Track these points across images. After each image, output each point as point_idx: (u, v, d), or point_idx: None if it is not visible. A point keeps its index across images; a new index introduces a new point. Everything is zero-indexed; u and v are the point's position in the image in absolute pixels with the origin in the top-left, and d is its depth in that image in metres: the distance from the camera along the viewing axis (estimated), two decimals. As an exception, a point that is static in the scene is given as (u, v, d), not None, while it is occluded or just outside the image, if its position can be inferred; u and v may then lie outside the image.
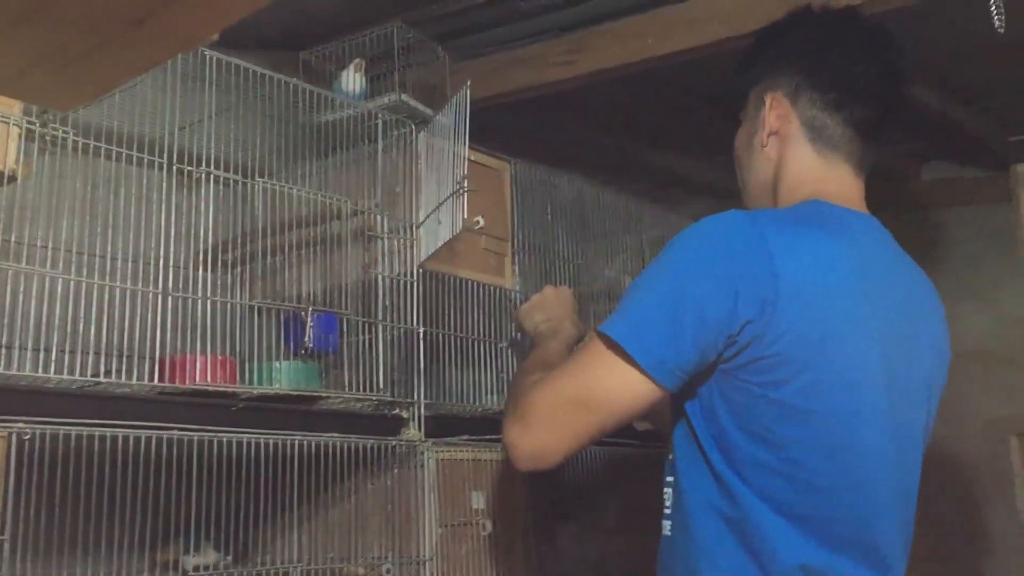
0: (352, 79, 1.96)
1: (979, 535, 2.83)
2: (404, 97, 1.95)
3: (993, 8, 1.75)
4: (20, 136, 1.46)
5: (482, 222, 1.79)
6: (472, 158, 1.85)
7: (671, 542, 1.29)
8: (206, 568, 1.67)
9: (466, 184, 1.71)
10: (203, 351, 1.59)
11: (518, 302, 2.11)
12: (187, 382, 1.56)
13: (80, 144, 1.55)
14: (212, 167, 1.67)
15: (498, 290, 2.03)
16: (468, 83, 1.78)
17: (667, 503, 1.31)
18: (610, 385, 1.19)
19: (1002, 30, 1.71)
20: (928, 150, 2.95)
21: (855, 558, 1.22)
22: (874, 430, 1.23)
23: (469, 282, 1.97)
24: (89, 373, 1.49)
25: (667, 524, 1.30)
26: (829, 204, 1.30)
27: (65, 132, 1.52)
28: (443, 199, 1.80)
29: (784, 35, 1.40)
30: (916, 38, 2.16)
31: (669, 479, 1.31)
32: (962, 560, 2.84)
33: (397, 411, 1.81)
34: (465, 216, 1.71)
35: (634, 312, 1.21)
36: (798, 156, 1.34)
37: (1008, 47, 2.17)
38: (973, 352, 2.87)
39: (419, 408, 1.82)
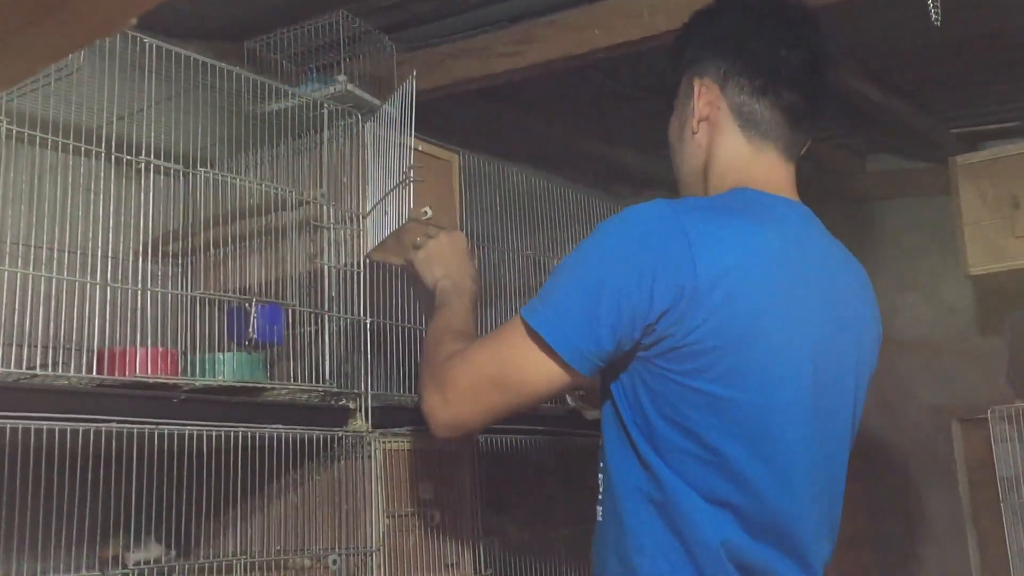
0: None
1: (920, 520, 2.90)
2: (350, 87, 1.94)
3: (930, 3, 1.78)
4: (-47, 125, 1.43)
5: (430, 212, 1.78)
6: (420, 148, 1.85)
7: (602, 527, 1.30)
8: (148, 563, 1.65)
9: (412, 174, 1.71)
10: (144, 343, 1.57)
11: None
12: (127, 374, 1.53)
13: (15, 133, 1.52)
14: (153, 157, 1.65)
15: (446, 281, 2.03)
16: (414, 73, 1.78)
17: (600, 488, 1.32)
18: (528, 369, 1.24)
19: (938, 23, 1.75)
20: (871, 143, 3.01)
21: (773, 544, 1.24)
22: (796, 420, 1.24)
23: (416, 273, 1.97)
24: (25, 366, 1.46)
25: (599, 509, 1.32)
26: (756, 191, 1.31)
27: (-1, 120, 1.49)
28: (389, 189, 1.79)
29: (712, 21, 1.40)
30: (854, 33, 2.21)
31: (600, 464, 1.32)
32: (903, 545, 2.90)
33: (344, 402, 1.80)
34: (411, 206, 1.70)
35: (554, 299, 1.25)
36: (727, 143, 1.36)
37: (943, 44, 2.22)
38: (915, 341, 2.93)
39: (366, 399, 1.81)
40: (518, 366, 1.25)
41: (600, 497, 1.32)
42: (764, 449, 1.22)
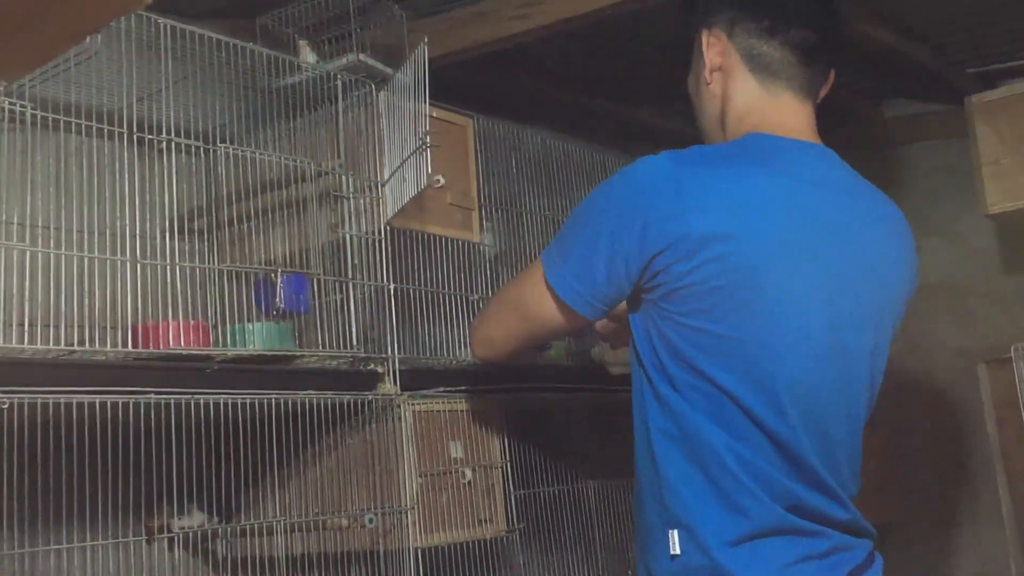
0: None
1: (949, 463, 2.91)
2: (362, 57, 1.96)
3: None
4: (-22, 113, 1.47)
5: (442, 181, 1.81)
6: (434, 115, 1.87)
7: (639, 472, 1.35)
8: (191, 528, 1.71)
9: (429, 140, 1.73)
10: (175, 317, 1.62)
11: (487, 256, 2.14)
12: (161, 347, 1.58)
13: (39, 118, 1.56)
14: (174, 135, 1.68)
15: (466, 244, 2.06)
16: (425, 40, 1.80)
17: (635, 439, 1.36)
18: (540, 303, 1.40)
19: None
20: (887, 88, 2.98)
21: (794, 474, 1.27)
22: (802, 358, 1.26)
23: (437, 237, 2.00)
24: (63, 343, 1.51)
25: (635, 457, 1.36)
26: (768, 136, 1.33)
27: (23, 106, 1.53)
28: (406, 156, 1.82)
29: None
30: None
31: (634, 420, 1.37)
32: (932, 489, 2.91)
33: (372, 366, 1.84)
34: (429, 171, 1.73)
35: (561, 243, 1.37)
36: (741, 89, 1.37)
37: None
38: (938, 285, 2.92)
39: (393, 363, 1.85)
40: (535, 300, 1.40)
41: (636, 445, 1.36)
42: (767, 386, 1.25)
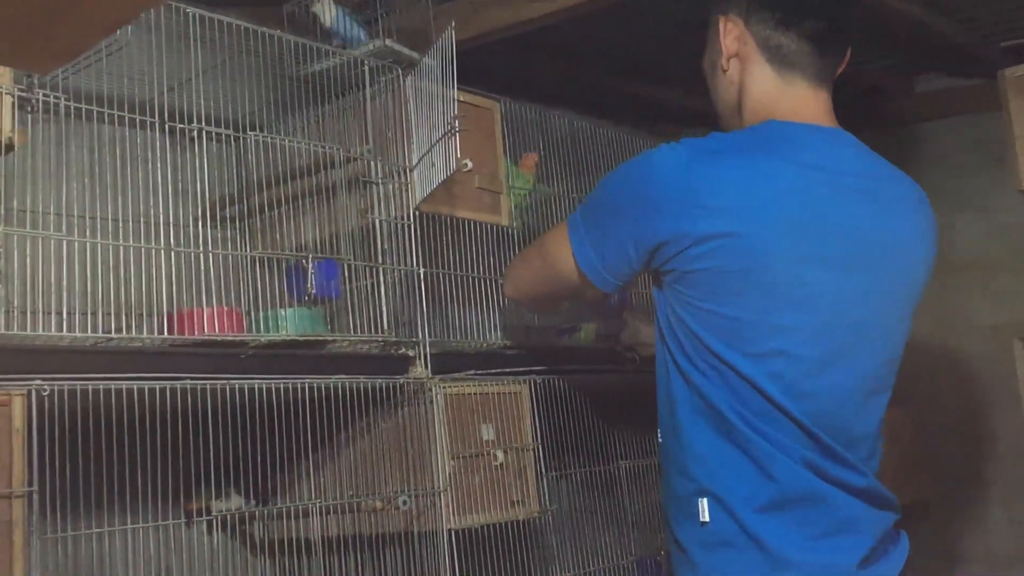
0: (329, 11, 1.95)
1: (982, 440, 2.89)
2: (389, 42, 1.97)
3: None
4: (13, 105, 1.49)
5: (470, 164, 1.82)
6: (461, 99, 1.87)
7: (663, 447, 1.37)
8: (230, 511, 1.74)
9: (457, 124, 1.74)
10: (209, 303, 1.64)
11: (516, 239, 2.15)
12: (196, 333, 1.60)
13: (72, 109, 1.58)
14: (205, 124, 1.70)
15: (495, 228, 2.07)
16: (452, 24, 1.80)
17: (658, 414, 1.39)
18: (563, 263, 1.47)
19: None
20: (917, 64, 2.95)
21: (815, 448, 1.28)
22: (814, 338, 1.29)
23: (465, 221, 2.01)
24: (101, 330, 1.54)
25: (659, 432, 1.38)
26: (784, 123, 1.35)
27: (57, 98, 1.55)
28: (435, 141, 1.83)
29: None
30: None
31: (658, 390, 1.39)
32: (965, 467, 2.89)
33: (403, 350, 1.86)
34: (458, 156, 1.74)
35: (584, 214, 1.44)
36: (757, 77, 1.39)
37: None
38: (971, 261, 2.90)
39: (424, 346, 1.87)
40: (560, 259, 1.48)
41: (659, 421, 1.38)
42: (779, 366, 1.28)
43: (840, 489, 1.29)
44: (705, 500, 1.28)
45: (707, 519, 1.28)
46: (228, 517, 1.74)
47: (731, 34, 1.41)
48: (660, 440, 1.40)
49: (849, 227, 1.32)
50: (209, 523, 1.78)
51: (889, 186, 1.40)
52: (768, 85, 1.39)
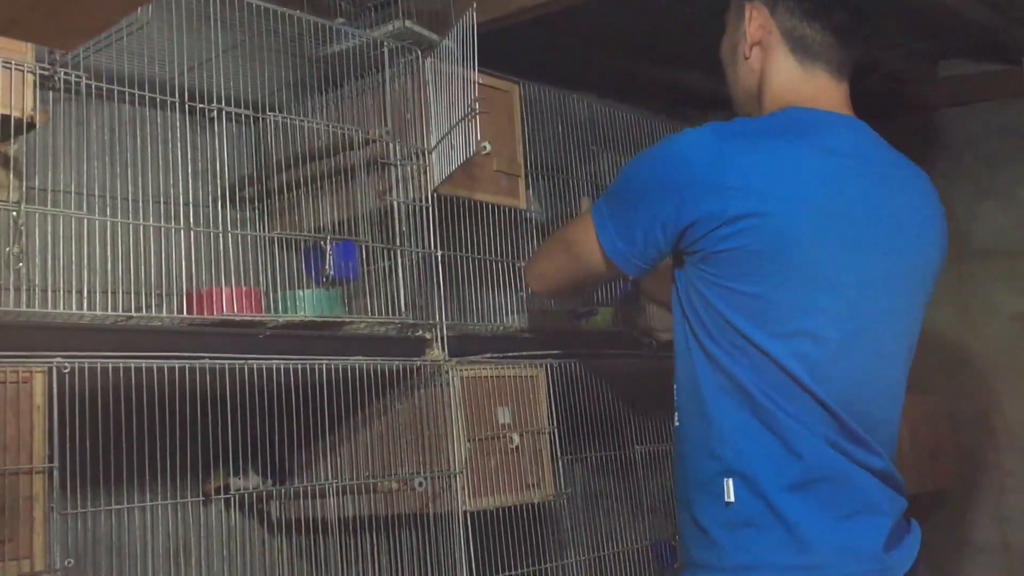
0: None
1: (1004, 430, 2.87)
2: (408, 24, 1.96)
3: None
4: (35, 83, 1.50)
5: (489, 147, 1.81)
6: (480, 81, 1.86)
7: (682, 430, 1.37)
8: (248, 490, 1.75)
9: (478, 107, 1.73)
10: (228, 283, 1.64)
11: (534, 222, 2.15)
12: (215, 313, 1.61)
13: (93, 88, 1.58)
14: (224, 104, 1.70)
15: (513, 211, 2.07)
16: (474, 5, 1.79)
17: (675, 395, 1.39)
18: (589, 253, 1.46)
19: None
20: (942, 49, 2.91)
21: (835, 429, 1.29)
22: (836, 321, 1.29)
23: (483, 204, 2.00)
24: (121, 309, 1.55)
25: (676, 415, 1.38)
26: (807, 109, 1.36)
27: (78, 76, 1.56)
28: (455, 123, 1.82)
29: None
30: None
31: (675, 373, 1.39)
32: (986, 456, 2.88)
33: (420, 332, 1.86)
34: (478, 138, 1.73)
35: (609, 202, 1.44)
36: (779, 66, 1.40)
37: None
38: (996, 250, 2.87)
39: (441, 329, 1.87)
40: (585, 249, 1.47)
41: (676, 402, 1.38)
42: (803, 346, 1.28)
43: (863, 469, 1.30)
44: (731, 480, 1.28)
45: (732, 499, 1.28)
46: (245, 496, 1.75)
47: (756, 22, 1.41)
48: (677, 423, 1.39)
49: (872, 213, 1.34)
50: (227, 502, 1.79)
51: (905, 174, 1.42)
52: (790, 75, 1.39)
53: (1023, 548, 2.81)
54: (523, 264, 2.07)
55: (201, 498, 1.77)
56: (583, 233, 1.47)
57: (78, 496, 1.54)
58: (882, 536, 1.28)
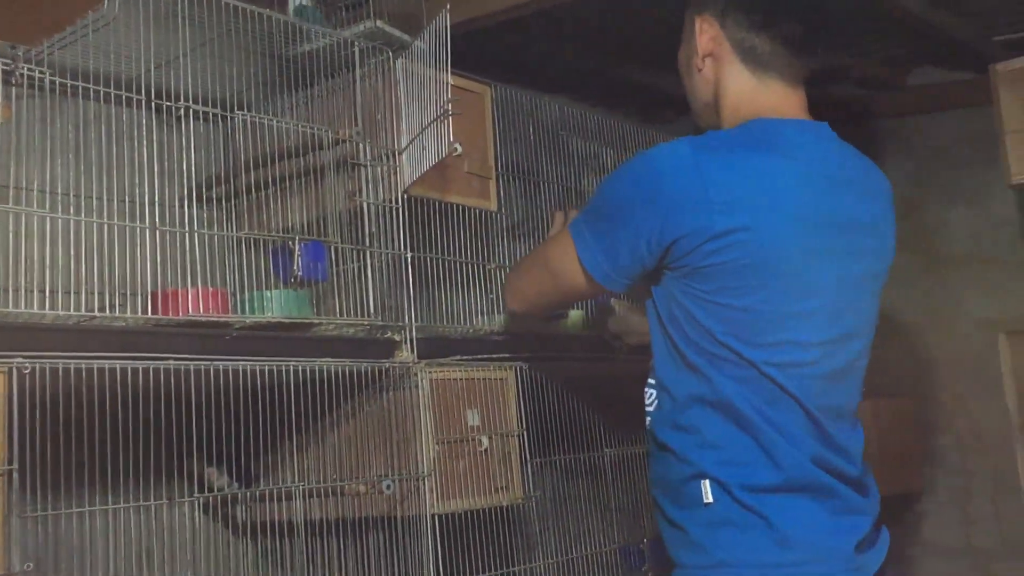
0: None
1: (969, 434, 2.90)
2: (380, 24, 1.95)
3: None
4: (-2, 79, 1.48)
5: (460, 149, 1.80)
6: (452, 82, 1.86)
7: (659, 437, 1.38)
8: (217, 490, 1.73)
9: (451, 108, 1.73)
10: (194, 284, 1.63)
11: (505, 224, 2.14)
12: (180, 313, 1.59)
13: (58, 84, 1.56)
14: (192, 102, 1.68)
15: (483, 213, 2.06)
16: (447, 7, 1.79)
17: (651, 402, 1.39)
18: (570, 272, 1.47)
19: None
20: (912, 56, 2.94)
21: (814, 434, 1.31)
22: (818, 326, 1.33)
23: (454, 206, 2.00)
24: (84, 309, 1.53)
25: (648, 420, 1.39)
26: (771, 120, 1.38)
27: (42, 72, 1.53)
28: (426, 124, 1.81)
29: None
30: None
31: (650, 380, 1.40)
32: (952, 460, 2.90)
33: (389, 334, 1.85)
34: (451, 140, 1.73)
35: (589, 221, 1.43)
36: (733, 77, 1.41)
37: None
38: (963, 255, 2.90)
39: (410, 331, 1.86)
40: (565, 268, 1.48)
41: (653, 409, 1.39)
42: (789, 354, 1.31)
43: (840, 480, 1.33)
44: (708, 482, 1.31)
45: (710, 500, 1.30)
46: (211, 499, 1.73)
47: (706, 34, 1.42)
48: (653, 428, 1.40)
49: (842, 217, 1.36)
50: (191, 504, 1.77)
51: (867, 176, 1.45)
52: (744, 85, 1.40)
53: (989, 551, 2.84)
54: (493, 267, 2.07)
55: (164, 501, 1.75)
56: (562, 251, 1.47)
57: (38, 499, 1.51)
58: (857, 537, 1.32)
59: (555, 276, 1.52)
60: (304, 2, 1.94)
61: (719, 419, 1.31)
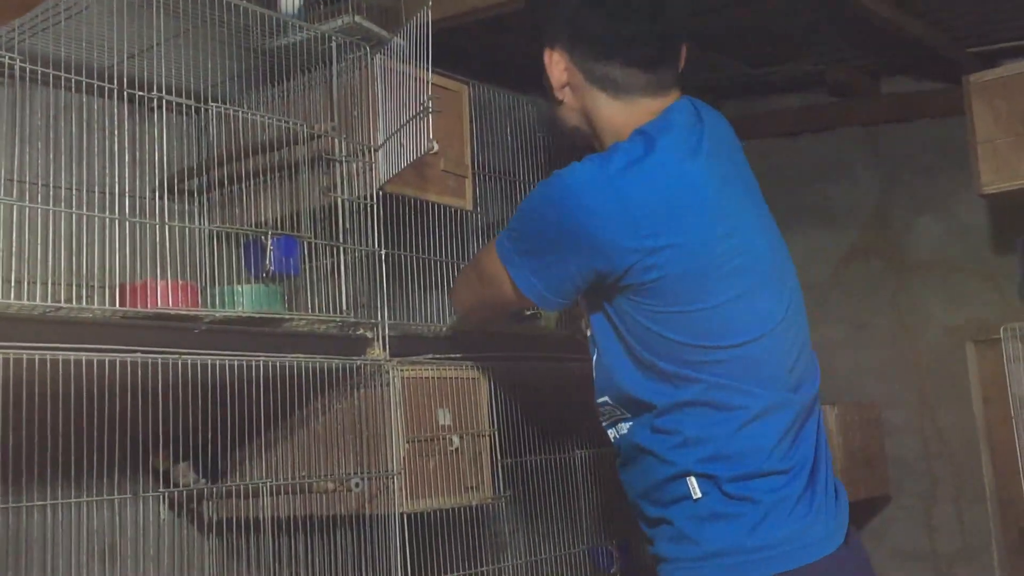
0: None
1: (935, 439, 2.93)
2: (358, 19, 1.94)
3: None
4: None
5: (436, 147, 1.80)
6: (428, 79, 1.85)
7: (636, 442, 1.40)
8: (184, 486, 1.71)
9: (431, 105, 1.72)
10: (164, 277, 1.61)
11: (479, 224, 2.13)
12: (149, 306, 1.57)
13: (28, 71, 1.54)
14: (166, 93, 1.66)
15: (459, 212, 2.05)
16: (429, 3, 1.78)
17: (621, 413, 1.42)
18: (502, 289, 1.47)
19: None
20: (885, 65, 2.97)
21: (794, 415, 1.37)
22: (776, 299, 1.38)
23: (429, 204, 1.99)
24: (50, 300, 1.50)
25: (623, 427, 1.43)
26: (653, 125, 1.37)
27: (12, 59, 1.51)
28: (405, 121, 1.80)
29: None
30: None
31: (606, 399, 1.45)
32: (917, 465, 2.93)
33: (361, 332, 1.84)
34: (430, 137, 1.72)
35: (515, 241, 1.42)
36: (597, 103, 1.43)
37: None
38: (930, 262, 2.93)
39: (383, 328, 1.85)
40: (499, 286, 1.48)
41: (623, 425, 1.42)
42: (759, 337, 1.35)
43: (820, 461, 1.38)
44: (694, 478, 1.33)
45: (699, 495, 1.33)
46: (177, 495, 1.71)
47: (557, 66, 1.43)
48: (628, 437, 1.41)
49: (743, 183, 1.42)
50: (156, 499, 1.75)
51: (727, 128, 1.47)
52: (612, 108, 1.40)
53: (952, 556, 2.87)
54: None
55: (129, 495, 1.73)
56: (495, 270, 1.47)
57: (1, 491, 1.49)
58: (839, 520, 1.36)
59: (491, 293, 1.53)
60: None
61: (702, 415, 1.33)
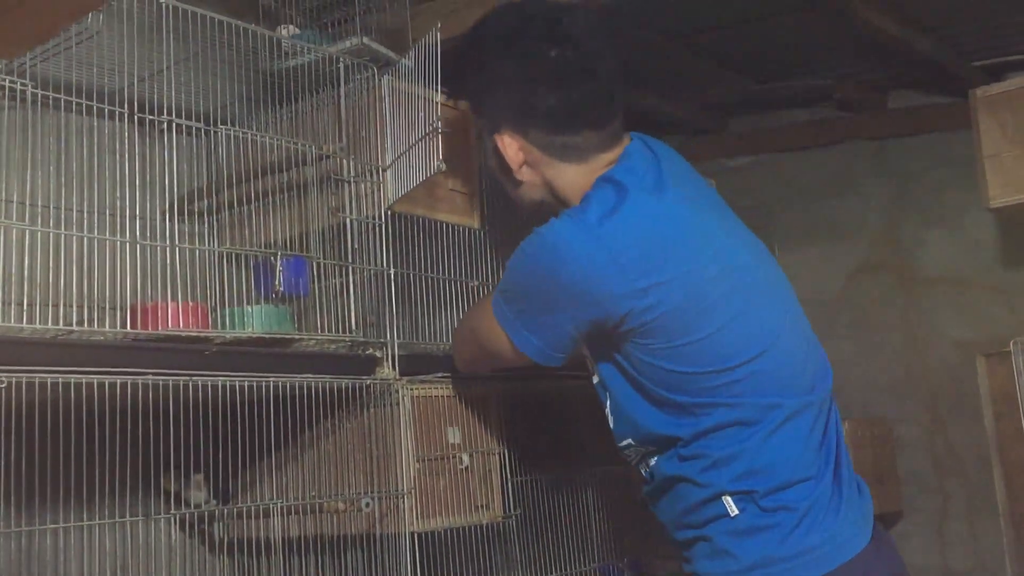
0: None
1: (947, 454, 2.92)
2: (366, 40, 1.95)
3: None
4: (-21, 91, 1.46)
5: (444, 166, 1.80)
6: (437, 99, 1.86)
7: (664, 471, 1.42)
8: (196, 505, 1.72)
9: (440, 125, 1.73)
10: (174, 298, 1.61)
11: (487, 243, 2.14)
12: (159, 328, 1.58)
13: (39, 96, 1.55)
14: (175, 116, 1.67)
15: (467, 230, 2.06)
16: (438, 25, 1.79)
17: (650, 455, 1.44)
18: (499, 347, 1.49)
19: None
20: (892, 80, 2.97)
21: (814, 423, 1.39)
22: (777, 314, 1.40)
23: (437, 223, 2.00)
24: (62, 323, 1.51)
25: (651, 461, 1.44)
26: (616, 170, 1.40)
27: (24, 84, 1.52)
28: (414, 141, 1.81)
29: (481, 73, 1.48)
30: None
31: (630, 441, 1.47)
32: (929, 481, 2.92)
33: (370, 351, 1.84)
34: (440, 158, 1.73)
35: (510, 302, 1.45)
36: (559, 172, 1.46)
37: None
38: (940, 277, 2.93)
39: (392, 347, 1.85)
40: (499, 347, 1.50)
41: (652, 460, 1.44)
42: (769, 350, 1.36)
43: (842, 468, 1.40)
44: (730, 497, 1.35)
45: (736, 512, 1.34)
46: (187, 516, 1.71)
47: (511, 147, 1.46)
48: (657, 466, 1.43)
49: (712, 208, 1.44)
50: (168, 520, 1.75)
51: (678, 156, 1.51)
52: (575, 173, 1.43)
53: (966, 573, 2.86)
54: (476, 284, 2.07)
55: (140, 517, 1.73)
56: (491, 330, 1.49)
57: (13, 515, 1.49)
58: (866, 514, 1.40)
59: (489, 352, 1.55)
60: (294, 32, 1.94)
61: (728, 435, 1.35)
